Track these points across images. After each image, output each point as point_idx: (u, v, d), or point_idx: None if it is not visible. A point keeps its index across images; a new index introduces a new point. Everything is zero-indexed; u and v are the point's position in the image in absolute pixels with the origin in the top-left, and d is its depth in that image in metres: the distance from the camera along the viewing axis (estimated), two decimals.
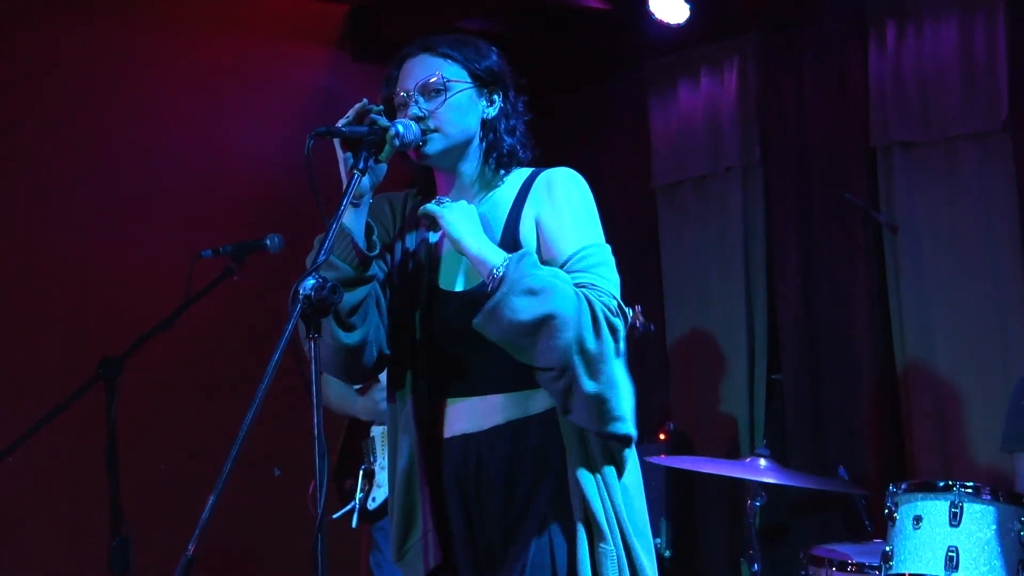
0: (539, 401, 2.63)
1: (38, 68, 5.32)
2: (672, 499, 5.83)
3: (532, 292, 2.43)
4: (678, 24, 5.87)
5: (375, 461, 4.48)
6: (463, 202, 2.64)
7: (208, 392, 5.46)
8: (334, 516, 4.48)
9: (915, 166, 5.48)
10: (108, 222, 5.37)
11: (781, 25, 5.99)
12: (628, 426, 2.53)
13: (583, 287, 2.52)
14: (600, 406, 2.47)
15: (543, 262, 2.57)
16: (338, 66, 6.17)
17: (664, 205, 6.43)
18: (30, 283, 5.22)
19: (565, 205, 2.65)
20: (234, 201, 5.67)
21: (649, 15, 5.84)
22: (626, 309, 2.57)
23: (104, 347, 3.85)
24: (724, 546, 6.00)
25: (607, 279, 2.57)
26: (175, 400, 5.44)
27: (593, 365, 2.46)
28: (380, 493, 4.43)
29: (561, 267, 2.57)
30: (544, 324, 2.42)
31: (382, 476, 4.43)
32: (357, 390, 4.51)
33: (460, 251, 2.57)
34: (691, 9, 5.80)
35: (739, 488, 5.75)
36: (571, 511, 2.55)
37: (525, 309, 2.42)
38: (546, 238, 2.64)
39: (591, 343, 2.45)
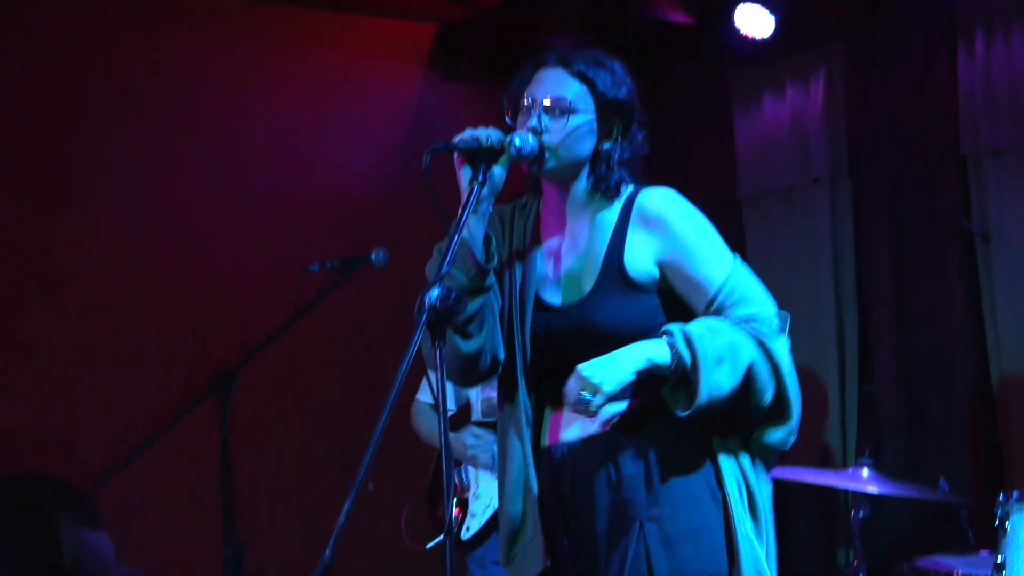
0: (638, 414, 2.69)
1: (135, 81, 5.46)
2: None
3: (720, 361, 2.51)
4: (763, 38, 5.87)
5: (469, 490, 4.48)
6: (592, 362, 2.56)
7: (317, 404, 5.54)
8: (427, 546, 4.48)
9: (1007, 174, 5.42)
10: (215, 239, 5.48)
11: (867, 35, 5.96)
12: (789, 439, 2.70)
13: (745, 322, 2.61)
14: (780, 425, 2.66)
15: (683, 296, 2.67)
16: (428, 85, 6.24)
17: (750, 217, 6.39)
18: (142, 301, 5.34)
19: (687, 237, 2.69)
20: (330, 216, 5.75)
21: (734, 29, 5.84)
22: (785, 315, 2.65)
23: (216, 361, 3.93)
24: (819, 559, 5.94)
25: (760, 301, 2.66)
26: (285, 412, 5.52)
27: (781, 396, 2.63)
28: (474, 523, 4.40)
29: (711, 302, 2.64)
30: (745, 382, 2.55)
31: (476, 505, 4.41)
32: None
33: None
34: (776, 22, 5.79)
35: (831, 500, 5.72)
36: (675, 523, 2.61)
37: (725, 381, 2.52)
38: (685, 277, 2.68)
39: (784, 375, 2.61)
